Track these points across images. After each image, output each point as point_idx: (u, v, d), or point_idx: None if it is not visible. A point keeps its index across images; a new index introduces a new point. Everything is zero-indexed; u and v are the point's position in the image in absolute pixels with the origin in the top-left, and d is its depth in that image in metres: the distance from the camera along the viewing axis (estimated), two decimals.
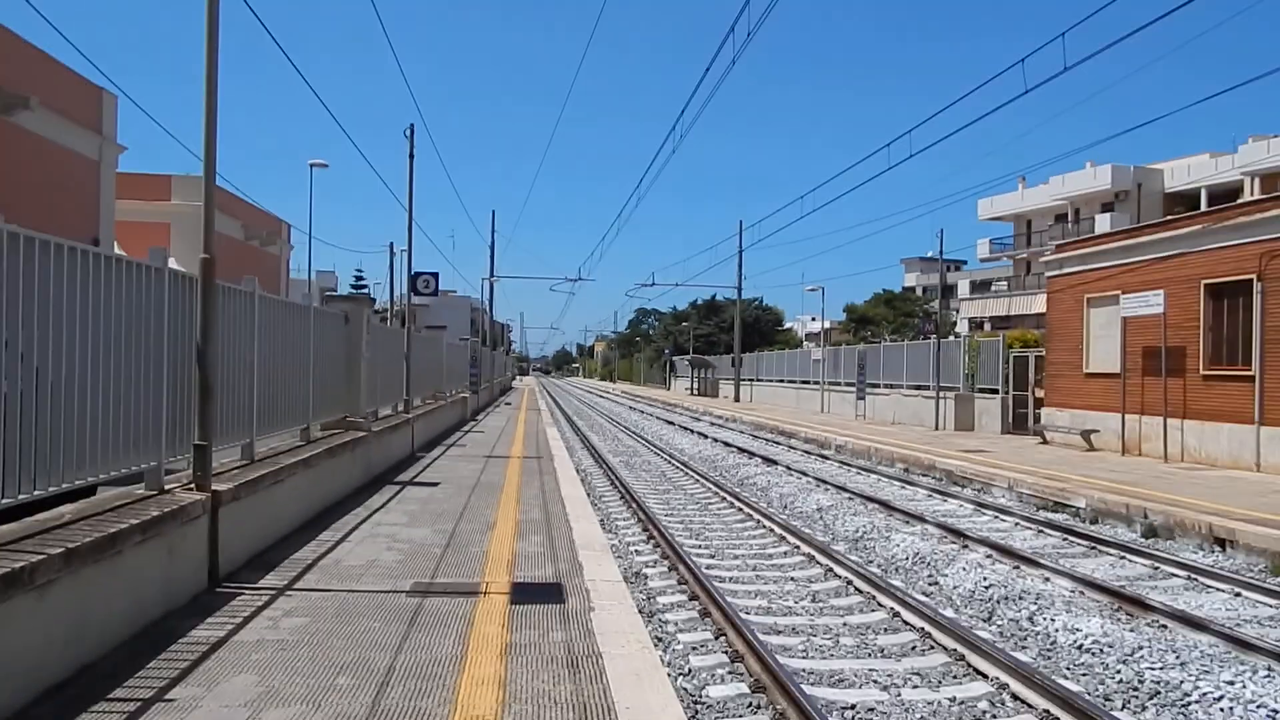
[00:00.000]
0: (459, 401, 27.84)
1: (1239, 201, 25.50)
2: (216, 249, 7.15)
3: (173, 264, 6.94)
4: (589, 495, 13.79)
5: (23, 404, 4.86)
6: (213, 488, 6.73)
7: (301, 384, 10.42)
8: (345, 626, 5.73)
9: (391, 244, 36.40)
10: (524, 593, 6.73)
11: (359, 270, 75.65)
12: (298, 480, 8.99)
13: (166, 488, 6.55)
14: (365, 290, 71.81)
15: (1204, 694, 6.30)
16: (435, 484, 12.87)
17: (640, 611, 7.22)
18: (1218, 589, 9.63)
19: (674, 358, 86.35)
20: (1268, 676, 6.61)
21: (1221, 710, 6.05)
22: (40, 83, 17.55)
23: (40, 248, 5.02)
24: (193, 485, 6.68)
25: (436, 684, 4.75)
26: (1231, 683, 6.44)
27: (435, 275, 22.21)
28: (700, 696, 6.28)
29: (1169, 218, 24.88)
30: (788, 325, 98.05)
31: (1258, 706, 6.02)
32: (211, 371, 6.91)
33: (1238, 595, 9.36)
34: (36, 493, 5.05)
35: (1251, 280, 17.34)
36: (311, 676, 4.80)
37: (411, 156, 19.93)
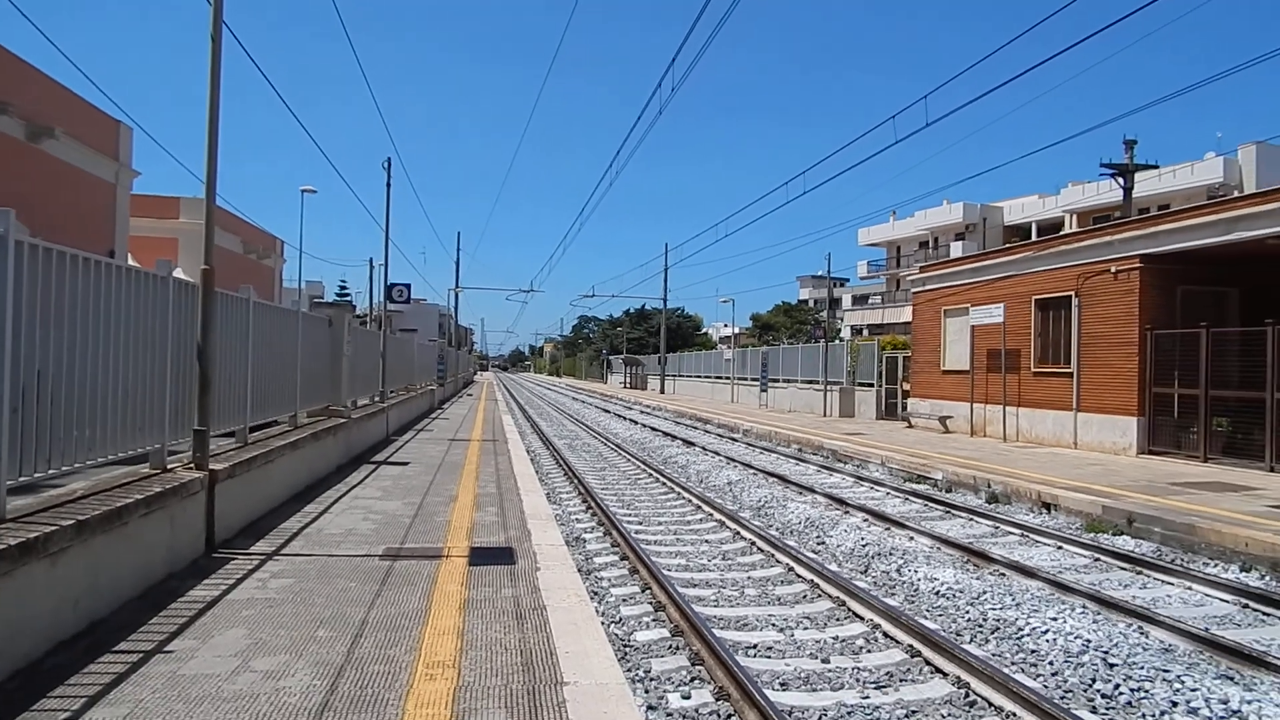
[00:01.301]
0: (428, 393, 27.35)
1: (1061, 233, 26.38)
2: (217, 262, 6.89)
3: (179, 274, 6.66)
4: (537, 473, 13.63)
5: (39, 394, 4.62)
6: (210, 467, 6.48)
7: (290, 377, 10.10)
8: (326, 586, 5.56)
9: (371, 259, 35.67)
10: (480, 556, 6.61)
11: (343, 281, 74.23)
12: (286, 460, 8.72)
13: (169, 467, 6.29)
14: (348, 298, 70.25)
15: (1034, 628, 6.47)
16: (406, 463, 12.61)
17: (579, 570, 7.15)
18: (1044, 543, 9.91)
19: (610, 357, 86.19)
20: (1083, 612, 6.83)
21: (1047, 640, 6.23)
22: (65, 115, 16.83)
23: (58, 258, 4.77)
24: (192, 465, 6.42)
25: (404, 634, 4.63)
26: (1055, 619, 6.63)
27: (408, 286, 21.81)
28: (629, 641, 6.25)
29: (1007, 245, 25.63)
30: (705, 330, 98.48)
31: (1075, 637, 6.21)
32: (210, 366, 6.66)
33: (1060, 548, 9.66)
34: (51, 471, 4.81)
35: (1071, 296, 17.96)
36: (295, 629, 4.65)
37: (389, 186, 19.53)
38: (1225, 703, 5.03)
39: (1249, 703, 5.01)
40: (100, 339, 5.28)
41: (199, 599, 5.16)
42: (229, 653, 4.25)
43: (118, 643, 4.34)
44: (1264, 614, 7.18)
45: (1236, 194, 23.97)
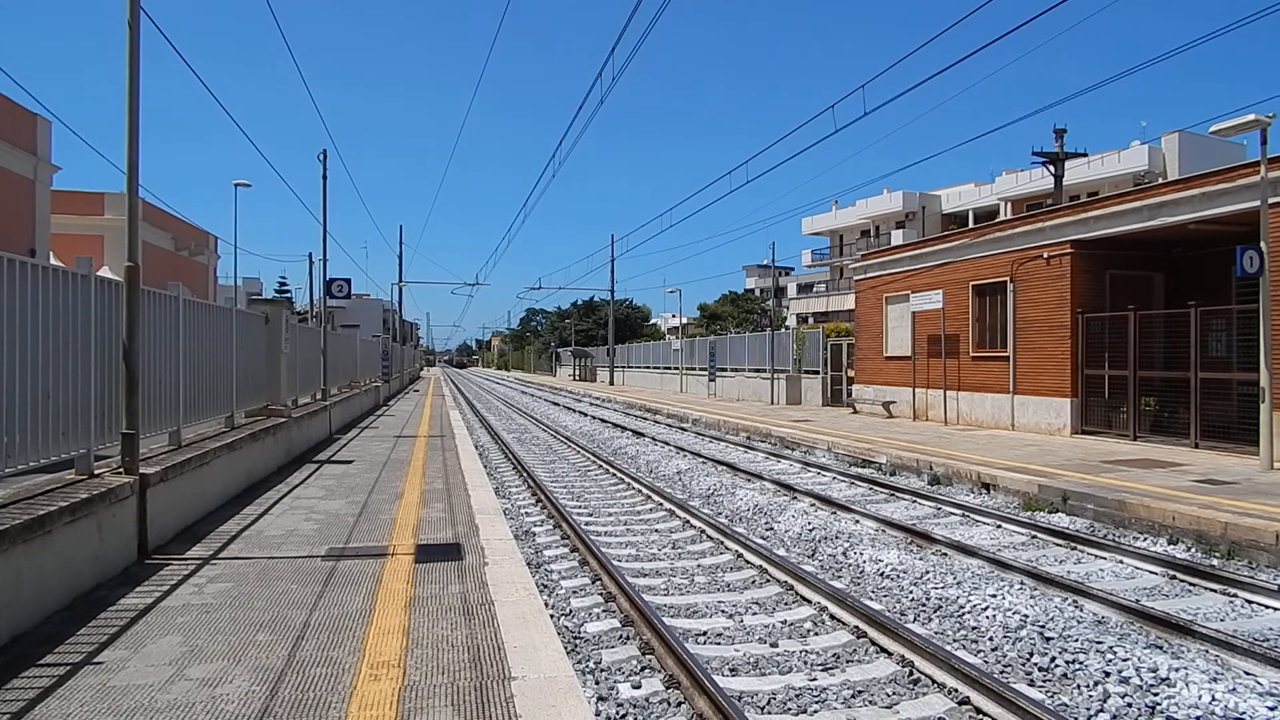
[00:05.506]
0: (372, 390, 26.85)
1: (996, 221, 27.06)
2: (146, 259, 6.67)
3: (105, 272, 6.41)
4: (485, 467, 13.50)
5: None
6: (141, 471, 6.25)
7: (226, 377, 9.81)
8: (265, 589, 5.42)
9: (310, 254, 34.85)
10: (427, 553, 6.52)
11: (282, 277, 72.25)
12: (222, 462, 8.47)
13: (96, 472, 6.06)
14: (287, 294, 68.67)
15: (974, 605, 6.63)
16: (350, 461, 12.36)
17: (528, 564, 7.11)
18: (984, 523, 10.17)
19: (559, 349, 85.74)
20: (1020, 589, 7.03)
21: (987, 617, 6.39)
22: None
23: None
24: (121, 469, 6.19)
25: (347, 635, 4.54)
26: (994, 596, 6.80)
27: (348, 281, 21.18)
28: (579, 633, 6.23)
29: (946, 233, 26.16)
30: (653, 321, 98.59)
31: (1013, 613, 6.38)
32: (137, 367, 6.42)
33: (999, 527, 9.92)
34: None
35: (1006, 282, 18.44)
36: (233, 635, 4.52)
37: (324, 178, 19.03)
38: (1154, 671, 5.23)
39: (1176, 670, 5.22)
40: (17, 341, 5.05)
41: (131, 607, 4.98)
42: (163, 661, 4.11)
43: (42, 656, 4.17)
44: (1190, 584, 7.49)
45: (1160, 181, 24.86)
